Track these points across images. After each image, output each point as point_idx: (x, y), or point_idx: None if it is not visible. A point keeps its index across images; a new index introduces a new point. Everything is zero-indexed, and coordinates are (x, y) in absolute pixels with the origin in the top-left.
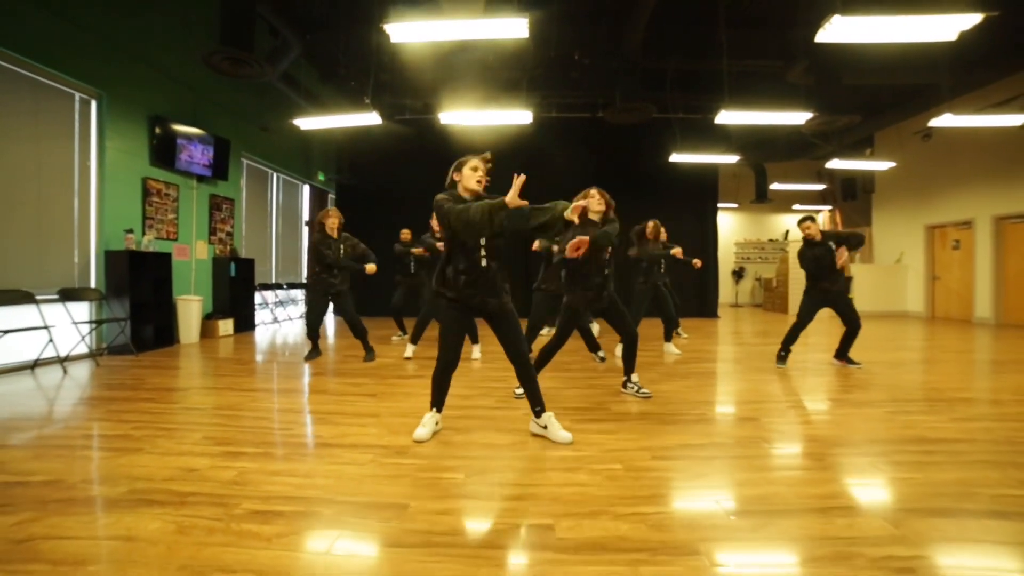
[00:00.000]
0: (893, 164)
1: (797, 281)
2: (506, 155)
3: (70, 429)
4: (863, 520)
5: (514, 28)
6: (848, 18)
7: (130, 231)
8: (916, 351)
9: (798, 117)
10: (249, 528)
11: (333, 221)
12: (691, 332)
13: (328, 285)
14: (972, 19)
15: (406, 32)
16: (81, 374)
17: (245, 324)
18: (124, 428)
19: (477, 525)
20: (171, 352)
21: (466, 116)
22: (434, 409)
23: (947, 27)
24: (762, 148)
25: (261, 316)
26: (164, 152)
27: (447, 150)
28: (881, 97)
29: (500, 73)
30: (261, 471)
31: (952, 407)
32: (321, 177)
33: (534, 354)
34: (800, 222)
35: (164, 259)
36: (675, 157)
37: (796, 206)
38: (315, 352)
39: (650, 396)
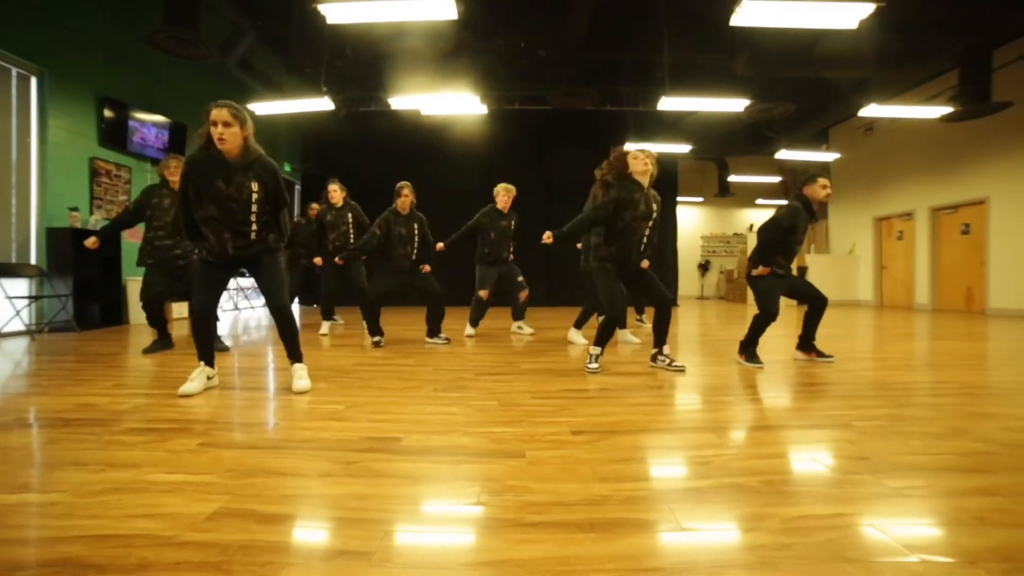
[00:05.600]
0: (838, 155)
1: None
2: (465, 150)
3: None
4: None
5: (442, 9)
6: (759, 3)
7: (75, 209)
8: (845, 328)
9: (736, 104)
10: (120, 439)
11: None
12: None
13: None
14: (867, 8)
15: (339, 13)
16: (13, 347)
17: None
18: (36, 380)
19: (329, 435)
20: (118, 330)
21: (416, 102)
22: (203, 363)
23: (847, 16)
24: (721, 142)
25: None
26: (114, 133)
27: (409, 141)
28: (827, 93)
29: (448, 61)
30: (156, 404)
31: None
32: (288, 167)
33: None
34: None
35: (113, 238)
36: (628, 146)
37: (759, 200)
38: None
39: (683, 370)
